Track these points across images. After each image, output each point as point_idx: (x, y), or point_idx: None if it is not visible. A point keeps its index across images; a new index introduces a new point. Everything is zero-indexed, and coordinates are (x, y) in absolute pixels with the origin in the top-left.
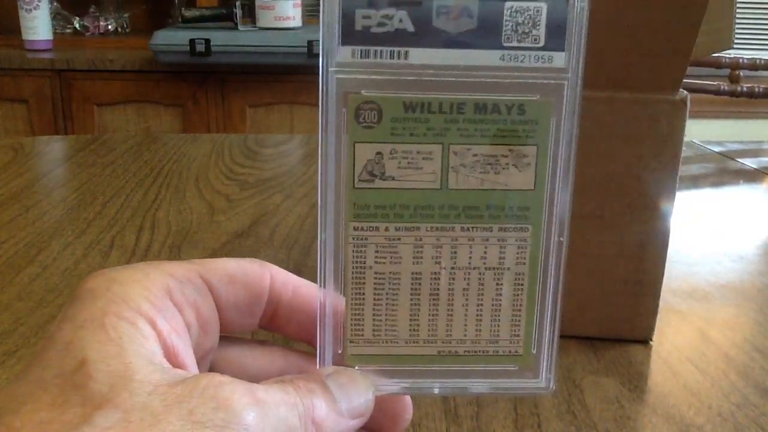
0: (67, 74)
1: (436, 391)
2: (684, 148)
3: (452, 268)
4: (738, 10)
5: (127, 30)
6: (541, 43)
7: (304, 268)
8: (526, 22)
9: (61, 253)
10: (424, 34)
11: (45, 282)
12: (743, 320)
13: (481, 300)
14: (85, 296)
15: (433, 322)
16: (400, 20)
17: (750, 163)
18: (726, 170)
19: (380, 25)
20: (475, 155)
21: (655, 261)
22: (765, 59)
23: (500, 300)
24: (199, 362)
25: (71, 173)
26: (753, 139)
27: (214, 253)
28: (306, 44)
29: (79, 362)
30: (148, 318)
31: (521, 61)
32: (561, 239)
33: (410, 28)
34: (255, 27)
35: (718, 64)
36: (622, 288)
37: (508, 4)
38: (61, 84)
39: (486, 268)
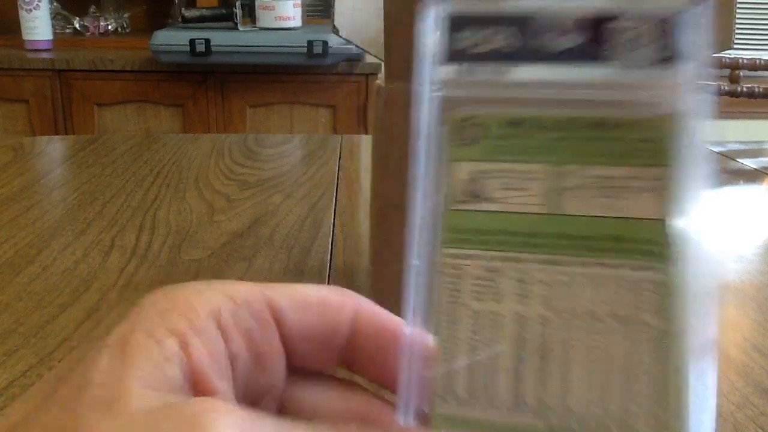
0: (67, 74)
1: None
2: None
3: (567, 312)
4: (738, 10)
5: (127, 30)
6: (655, 58)
7: (304, 268)
8: (636, 37)
9: (61, 253)
10: (527, 51)
11: (45, 282)
12: (743, 320)
13: (608, 359)
14: (131, 312)
15: (541, 383)
16: (503, 38)
17: (750, 163)
18: (726, 170)
19: (482, 43)
20: (588, 177)
21: None
22: (765, 59)
23: (634, 360)
24: (257, 401)
25: (71, 173)
26: (753, 139)
27: (214, 253)
28: (306, 44)
29: (81, 384)
30: (180, 338)
31: (632, 77)
32: (711, 283)
33: (513, 45)
34: (255, 27)
35: (718, 64)
36: None
37: (615, 21)
38: (61, 84)
39: (610, 317)
